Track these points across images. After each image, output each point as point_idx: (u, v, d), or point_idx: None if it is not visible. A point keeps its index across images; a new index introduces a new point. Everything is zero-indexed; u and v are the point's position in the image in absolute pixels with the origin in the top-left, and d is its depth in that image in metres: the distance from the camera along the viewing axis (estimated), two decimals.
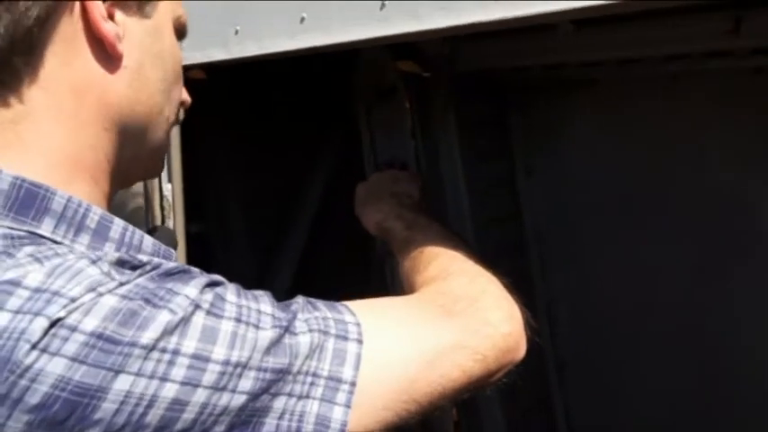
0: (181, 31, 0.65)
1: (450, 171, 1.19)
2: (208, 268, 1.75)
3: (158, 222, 1.03)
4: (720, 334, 1.19)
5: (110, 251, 0.55)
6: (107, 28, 0.56)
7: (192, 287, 0.52)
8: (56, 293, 0.48)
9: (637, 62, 1.07)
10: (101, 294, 0.49)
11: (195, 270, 0.56)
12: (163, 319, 0.50)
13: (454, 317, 0.64)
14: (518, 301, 0.71)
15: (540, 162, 1.28)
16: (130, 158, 0.62)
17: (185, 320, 0.51)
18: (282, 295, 1.64)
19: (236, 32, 0.95)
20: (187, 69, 1.08)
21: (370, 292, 1.53)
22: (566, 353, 1.33)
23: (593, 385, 1.32)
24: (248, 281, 1.74)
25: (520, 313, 0.70)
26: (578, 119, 1.24)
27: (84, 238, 0.55)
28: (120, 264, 0.53)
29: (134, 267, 0.53)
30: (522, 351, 0.68)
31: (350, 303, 0.60)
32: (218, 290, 0.54)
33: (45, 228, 0.54)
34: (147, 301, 0.50)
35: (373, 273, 1.31)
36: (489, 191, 1.24)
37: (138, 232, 0.59)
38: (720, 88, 1.09)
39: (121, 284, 0.51)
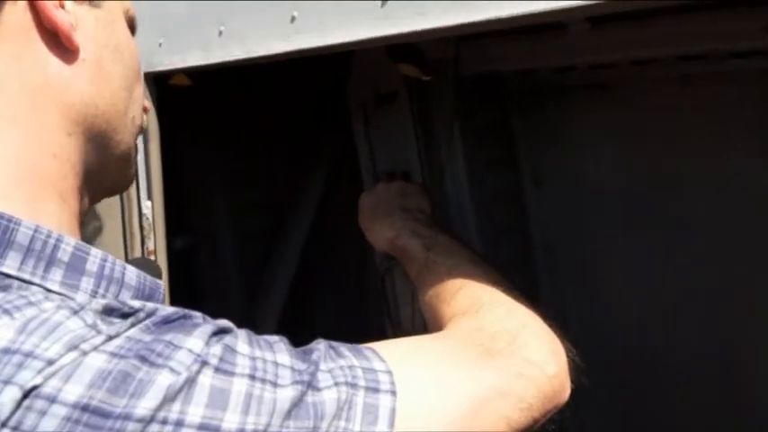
0: (130, 27, 0.60)
1: (454, 181, 1.11)
2: (194, 285, 1.65)
3: (138, 244, 0.95)
4: (744, 349, 1.12)
5: (87, 288, 0.47)
6: (60, 17, 0.50)
7: (197, 338, 0.44)
8: (29, 355, 0.40)
9: (652, 63, 1.00)
10: (85, 353, 0.41)
11: (197, 315, 0.48)
12: (163, 381, 0.41)
13: (495, 358, 0.56)
14: (559, 333, 0.62)
15: (548, 170, 1.21)
16: (98, 168, 0.55)
17: (190, 382, 0.42)
18: (276, 314, 1.54)
19: (220, 34, 0.86)
20: (169, 75, 1.00)
21: (368, 308, 1.45)
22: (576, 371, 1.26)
23: (605, 406, 1.25)
24: (237, 298, 1.65)
25: (564, 349, 0.62)
26: (589, 124, 1.17)
27: (57, 274, 0.47)
28: (108, 312, 0.44)
29: (124, 315, 0.45)
30: (566, 393, 0.60)
31: (376, 346, 0.52)
32: (228, 340, 0.46)
33: (10, 264, 0.45)
34: (143, 359, 0.42)
35: (371, 288, 1.23)
36: (495, 202, 1.17)
37: (120, 263, 0.51)
38: (743, 91, 1.02)
39: (110, 338, 0.42)
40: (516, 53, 1.00)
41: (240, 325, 1.51)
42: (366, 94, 1.16)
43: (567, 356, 0.61)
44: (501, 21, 0.62)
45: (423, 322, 1.06)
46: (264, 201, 1.49)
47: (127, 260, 0.75)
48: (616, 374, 1.25)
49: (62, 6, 0.51)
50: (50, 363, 0.40)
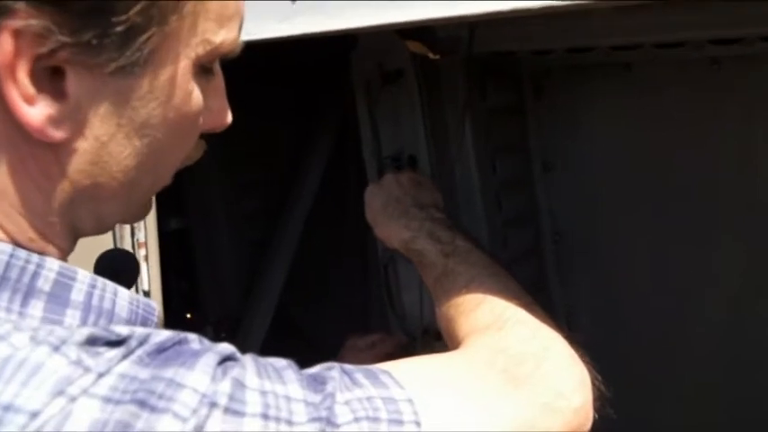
0: (218, 55, 0.47)
1: (462, 167, 1.05)
2: (189, 266, 1.59)
3: (127, 235, 0.89)
4: (761, 342, 1.09)
5: (73, 323, 0.41)
6: (27, 116, 0.40)
7: (201, 373, 0.39)
8: (9, 408, 0.35)
9: (678, 46, 0.93)
10: (73, 399, 0.36)
11: (193, 338, 0.42)
12: (167, 430, 0.36)
13: (520, 385, 0.52)
14: (583, 357, 0.58)
15: (559, 156, 1.16)
16: (83, 217, 0.47)
17: (198, 428, 0.37)
18: (274, 298, 1.49)
19: None
20: None
21: (369, 292, 1.41)
22: (586, 363, 1.22)
23: (615, 396, 1.22)
24: (233, 280, 1.60)
25: (589, 377, 0.57)
26: (604, 107, 1.11)
27: (37, 307, 0.41)
28: (92, 342, 0.39)
29: (112, 344, 0.39)
30: (589, 424, 0.56)
31: (393, 369, 0.47)
32: (236, 372, 0.40)
33: None
34: (142, 403, 0.37)
35: (373, 277, 1.18)
36: (504, 189, 1.11)
37: (111, 288, 0.44)
38: None
39: (100, 377, 0.37)
40: (534, 33, 0.93)
41: (238, 310, 1.46)
42: (371, 71, 1.08)
43: (593, 384, 0.57)
44: (528, 10, 0.56)
45: (430, 311, 1.02)
46: (262, 181, 1.43)
47: (102, 253, 0.69)
48: (627, 365, 1.22)
49: (30, 102, 0.39)
50: (34, 415, 0.35)
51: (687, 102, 1.03)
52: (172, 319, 1.31)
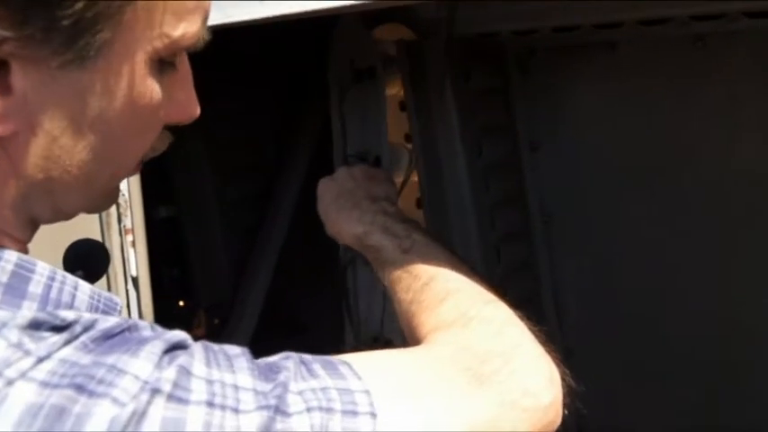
0: (179, 49, 0.45)
1: (448, 150, 1.05)
2: (179, 254, 1.59)
3: (114, 222, 0.89)
4: (745, 322, 1.09)
5: (26, 314, 0.40)
6: None
7: (144, 360, 0.38)
8: None
9: (662, 23, 0.93)
10: (10, 382, 0.35)
11: (144, 325, 0.42)
12: (104, 414, 0.36)
13: (485, 384, 0.50)
14: (551, 352, 0.57)
15: (547, 136, 1.15)
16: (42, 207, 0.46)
17: (138, 414, 0.36)
18: (265, 282, 1.48)
19: None
20: None
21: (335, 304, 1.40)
22: (574, 344, 1.23)
23: (602, 379, 1.22)
24: (224, 266, 1.60)
25: (558, 373, 0.56)
26: (591, 87, 1.11)
27: None
28: (35, 326, 0.38)
29: (56, 329, 0.38)
30: (559, 421, 0.55)
31: (353, 360, 0.46)
32: (182, 360, 0.40)
33: None
34: (80, 388, 0.36)
35: (336, 281, 1.16)
36: (491, 170, 1.11)
37: (70, 281, 0.43)
38: (756, 51, 0.96)
39: (40, 361, 0.37)
40: (514, 11, 0.93)
41: (230, 295, 1.45)
42: (343, 68, 1.07)
43: (563, 380, 0.56)
44: None
45: (381, 316, 1.01)
46: (251, 167, 1.42)
47: (72, 244, 0.67)
48: (615, 345, 1.22)
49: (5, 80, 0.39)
50: None
51: (672, 80, 1.02)
52: (164, 308, 1.31)
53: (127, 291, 0.99)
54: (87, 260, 0.62)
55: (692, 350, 1.14)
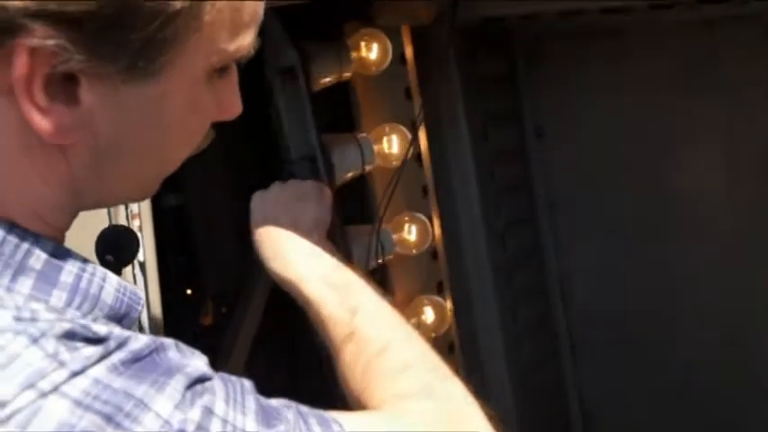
0: (233, 60, 0.47)
1: (454, 136, 1.05)
2: (187, 245, 1.58)
3: (121, 206, 0.90)
4: (752, 309, 1.09)
5: (58, 304, 0.41)
6: (41, 123, 0.40)
7: (168, 398, 0.39)
8: None
9: (670, 7, 0.92)
10: (44, 394, 0.36)
11: (169, 344, 0.42)
12: None
13: None
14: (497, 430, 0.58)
15: (553, 123, 1.15)
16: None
17: None
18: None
19: None
20: None
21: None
22: (580, 333, 1.23)
23: (608, 367, 1.22)
24: (232, 257, 1.60)
25: None
26: (598, 72, 1.10)
27: (25, 284, 0.41)
28: (70, 336, 0.39)
29: (89, 341, 0.39)
30: None
31: (344, 421, 0.47)
32: (206, 400, 0.41)
33: None
34: (109, 419, 0.37)
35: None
36: (498, 157, 1.11)
37: (100, 272, 0.44)
38: (764, 34, 0.95)
39: (74, 375, 0.37)
40: None
41: (237, 285, 1.43)
42: (271, 71, 1.04)
43: None
44: None
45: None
46: (263, 155, 1.42)
47: (104, 230, 0.69)
48: (619, 334, 1.22)
49: (43, 113, 0.40)
50: (2, 405, 0.35)
51: (678, 66, 1.02)
52: (172, 296, 1.32)
53: (134, 276, 1.00)
54: (117, 246, 0.63)
55: (700, 339, 1.14)
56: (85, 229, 0.57)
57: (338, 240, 0.95)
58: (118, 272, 0.59)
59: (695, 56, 1.01)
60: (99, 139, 0.43)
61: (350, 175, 1.00)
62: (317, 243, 0.71)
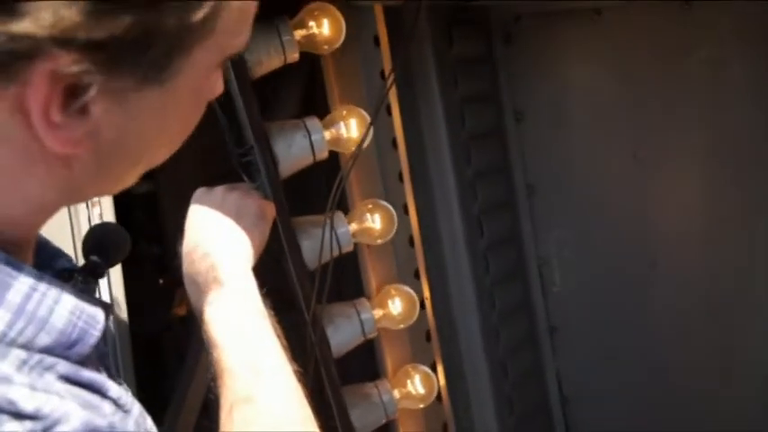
0: (231, 56, 0.48)
1: (430, 120, 1.03)
2: (158, 231, 1.55)
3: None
4: (733, 294, 1.09)
5: None
6: (51, 137, 0.40)
7: None
8: None
9: None
10: None
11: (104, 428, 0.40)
12: None
13: None
14: None
15: (531, 106, 1.13)
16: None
17: None
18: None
19: None
20: None
21: None
22: (558, 317, 1.22)
23: (586, 351, 1.22)
24: None
25: None
26: (578, 54, 1.09)
27: None
28: None
29: (14, 417, 0.37)
30: None
31: None
32: None
33: None
34: None
35: None
36: (475, 141, 1.09)
37: (53, 293, 0.42)
38: (743, 13, 0.94)
39: None
40: None
41: None
42: None
43: None
44: None
45: None
46: (232, 142, 1.39)
47: (92, 227, 0.67)
48: (598, 317, 1.22)
49: (55, 129, 0.40)
50: None
51: (657, 45, 1.00)
52: (144, 286, 1.29)
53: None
54: (102, 245, 0.60)
55: (678, 322, 1.14)
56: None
57: (285, 232, 0.92)
58: (103, 273, 0.56)
59: (672, 35, 1.00)
60: (102, 144, 0.42)
61: (300, 163, 0.93)
62: (242, 275, 0.65)
